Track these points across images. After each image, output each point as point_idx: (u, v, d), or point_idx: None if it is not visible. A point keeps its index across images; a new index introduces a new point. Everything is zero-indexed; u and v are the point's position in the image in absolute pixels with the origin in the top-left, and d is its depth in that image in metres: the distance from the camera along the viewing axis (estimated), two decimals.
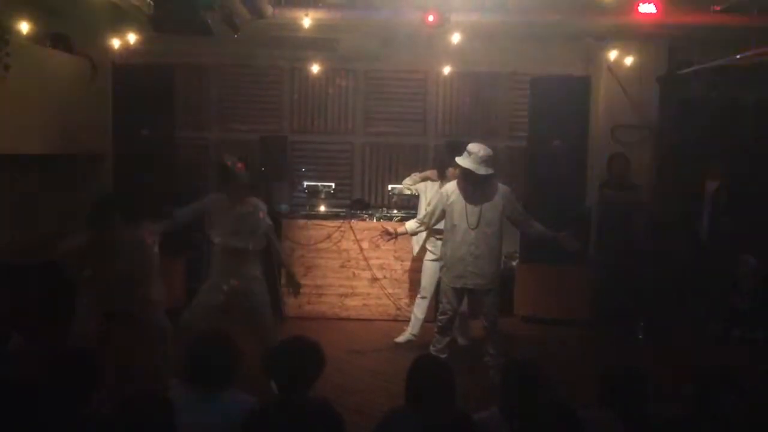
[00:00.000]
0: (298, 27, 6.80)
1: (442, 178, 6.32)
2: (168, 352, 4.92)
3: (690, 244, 7.15)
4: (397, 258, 7.28)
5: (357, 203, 8.03)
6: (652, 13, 6.50)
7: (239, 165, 5.35)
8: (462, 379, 3.37)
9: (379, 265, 7.31)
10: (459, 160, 5.45)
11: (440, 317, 5.69)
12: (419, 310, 6.54)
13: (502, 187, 5.56)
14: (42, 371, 2.97)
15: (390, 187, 7.91)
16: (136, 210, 4.95)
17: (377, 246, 6.55)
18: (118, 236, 4.60)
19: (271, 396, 3.00)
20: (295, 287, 5.63)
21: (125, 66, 7.54)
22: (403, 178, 7.68)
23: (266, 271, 5.53)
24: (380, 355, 6.27)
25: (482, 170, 5.35)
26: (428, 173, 6.70)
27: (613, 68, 7.91)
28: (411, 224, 5.93)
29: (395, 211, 7.61)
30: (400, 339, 6.56)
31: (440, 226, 5.77)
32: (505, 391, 3.12)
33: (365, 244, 7.28)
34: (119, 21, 6.85)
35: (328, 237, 7.28)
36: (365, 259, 7.29)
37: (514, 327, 6.99)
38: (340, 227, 7.29)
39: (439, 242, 6.02)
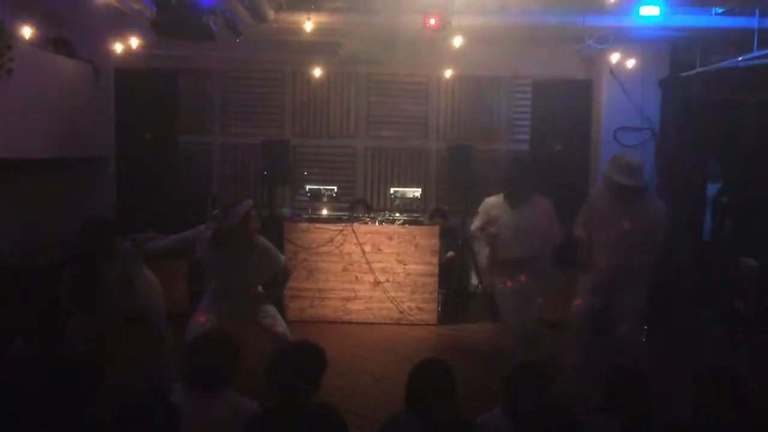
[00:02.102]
0: (300, 31, 6.80)
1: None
2: (169, 356, 4.92)
3: (692, 246, 7.14)
4: (399, 261, 7.28)
5: (358, 203, 8.04)
6: (654, 15, 6.51)
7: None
8: (465, 381, 3.36)
9: (382, 268, 7.30)
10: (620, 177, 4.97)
11: None
12: None
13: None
14: (44, 374, 2.97)
15: (392, 190, 7.92)
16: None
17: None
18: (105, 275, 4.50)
19: (274, 399, 3.00)
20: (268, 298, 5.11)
21: (128, 70, 7.57)
22: (405, 181, 7.71)
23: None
24: (382, 358, 6.27)
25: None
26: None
27: (615, 71, 7.92)
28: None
29: (397, 215, 7.61)
30: None
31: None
32: (510, 393, 3.12)
33: (367, 248, 7.28)
34: (122, 25, 6.87)
35: (331, 240, 7.28)
36: (368, 262, 7.29)
37: None
38: (342, 230, 7.29)
39: None
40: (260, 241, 4.84)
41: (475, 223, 5.60)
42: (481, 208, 5.57)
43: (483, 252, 5.61)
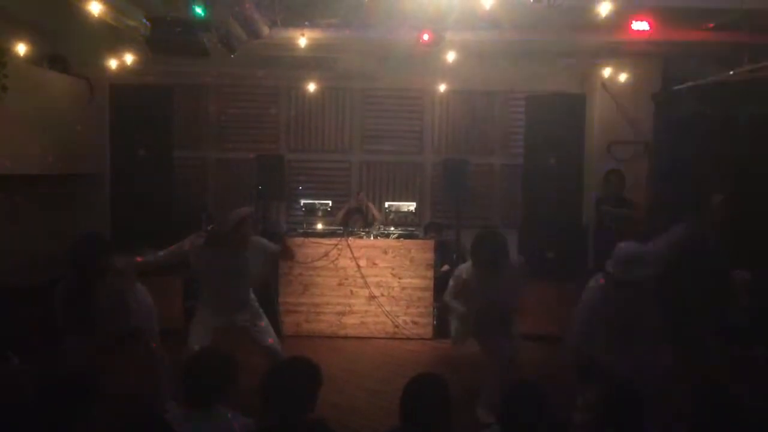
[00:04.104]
0: (294, 47, 6.85)
1: None
2: (164, 374, 4.90)
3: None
4: (394, 275, 7.28)
5: (354, 211, 8.05)
6: (645, 30, 6.56)
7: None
8: (460, 396, 3.36)
9: (377, 282, 7.30)
10: None
11: None
12: None
13: None
14: (39, 393, 2.96)
15: (387, 204, 7.93)
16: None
17: None
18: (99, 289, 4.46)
19: (269, 416, 2.99)
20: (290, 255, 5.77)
21: (122, 86, 7.58)
22: (400, 195, 7.65)
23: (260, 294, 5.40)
24: (378, 373, 6.25)
25: None
26: None
27: (608, 85, 7.98)
28: None
29: (392, 229, 7.61)
30: None
31: None
32: (507, 410, 3.11)
33: (362, 262, 7.28)
34: (116, 42, 6.89)
35: (326, 255, 7.28)
36: (363, 276, 7.28)
37: None
38: (337, 245, 7.28)
39: None
40: (252, 239, 4.96)
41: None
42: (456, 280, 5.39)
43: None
